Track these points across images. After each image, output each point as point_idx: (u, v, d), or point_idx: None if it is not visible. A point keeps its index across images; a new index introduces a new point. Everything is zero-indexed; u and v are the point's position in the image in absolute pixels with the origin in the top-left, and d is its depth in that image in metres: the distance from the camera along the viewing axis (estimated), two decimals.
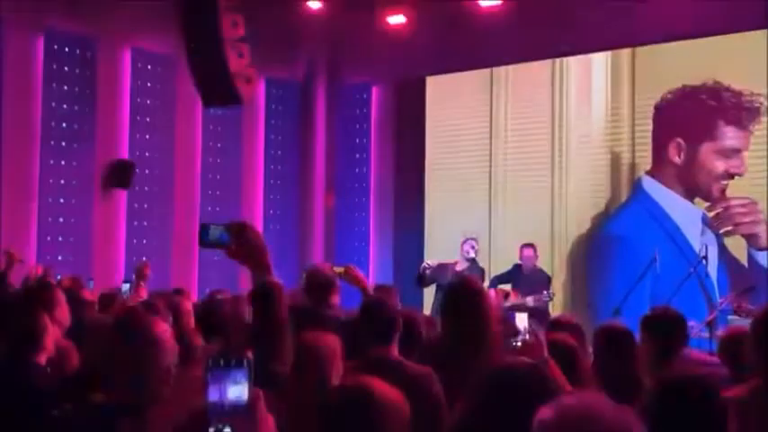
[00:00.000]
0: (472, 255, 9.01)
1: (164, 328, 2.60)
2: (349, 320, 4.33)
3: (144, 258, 9.63)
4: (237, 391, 1.65)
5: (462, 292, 4.04)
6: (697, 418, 2.36)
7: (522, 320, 3.19)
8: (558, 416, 1.72)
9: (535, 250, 9.22)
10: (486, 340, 3.85)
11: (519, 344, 3.14)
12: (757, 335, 3.11)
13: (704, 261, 8.80)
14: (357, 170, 12.81)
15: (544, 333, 3.88)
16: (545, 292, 8.97)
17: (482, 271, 9.02)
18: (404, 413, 2.20)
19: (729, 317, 7.46)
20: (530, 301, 8.55)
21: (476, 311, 3.93)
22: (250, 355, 1.66)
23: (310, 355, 3.17)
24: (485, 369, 2.60)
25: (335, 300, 5.07)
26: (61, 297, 4.20)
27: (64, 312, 4.18)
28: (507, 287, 8.89)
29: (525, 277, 9.05)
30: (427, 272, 9.01)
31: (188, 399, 1.97)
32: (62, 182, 10.43)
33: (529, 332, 3.17)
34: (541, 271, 9.31)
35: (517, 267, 9.24)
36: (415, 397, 2.26)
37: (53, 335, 3.58)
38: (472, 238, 9.21)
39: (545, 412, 1.74)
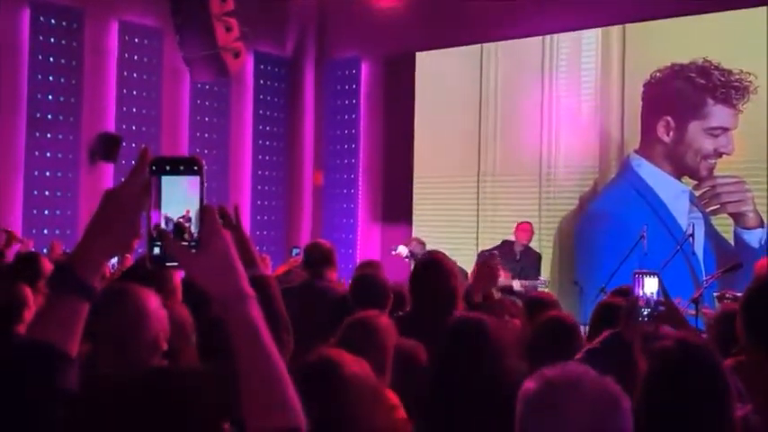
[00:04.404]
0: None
1: (153, 300, 2.56)
2: (342, 295, 4.36)
3: None
4: (184, 204, 1.31)
5: (429, 267, 4.06)
6: (706, 380, 2.36)
7: (652, 287, 3.01)
8: (541, 387, 1.73)
9: (532, 230, 9.25)
10: (452, 313, 3.88)
11: (655, 313, 2.99)
12: (744, 311, 3.11)
13: (691, 239, 8.83)
14: (346, 146, 12.76)
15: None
16: (540, 279, 8.93)
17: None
18: (370, 383, 2.22)
19: (714, 294, 7.50)
20: (517, 284, 8.48)
21: (442, 285, 3.96)
22: (203, 161, 1.34)
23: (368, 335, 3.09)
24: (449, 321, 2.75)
25: (333, 275, 5.13)
26: (48, 267, 4.17)
27: None
28: None
29: (516, 256, 9.01)
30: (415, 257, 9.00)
31: None
32: (48, 155, 10.36)
33: (660, 301, 3.02)
34: (533, 251, 9.31)
35: (507, 244, 9.19)
36: (406, 368, 2.29)
37: (36, 306, 3.56)
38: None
39: (529, 384, 1.76)
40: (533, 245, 9.65)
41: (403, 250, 9.23)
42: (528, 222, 9.38)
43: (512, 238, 9.24)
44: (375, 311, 3.34)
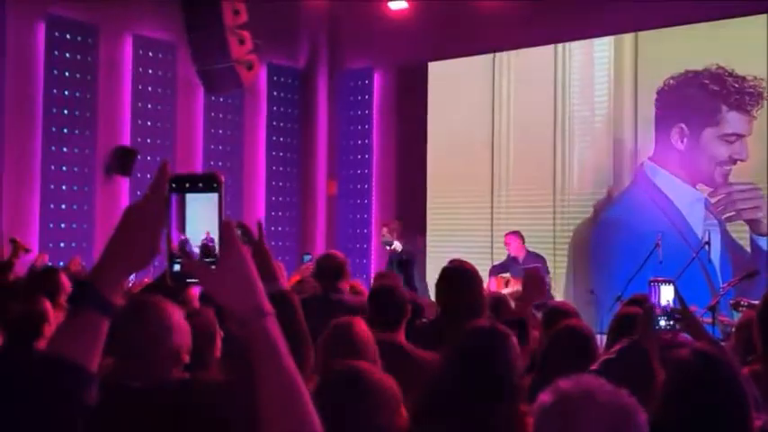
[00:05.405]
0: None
1: (176, 313, 2.57)
2: (357, 306, 4.36)
3: None
4: (204, 221, 1.31)
5: (456, 274, 4.07)
6: (723, 392, 2.35)
7: (668, 295, 2.97)
8: (556, 400, 1.73)
9: (518, 237, 9.29)
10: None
11: (672, 323, 2.94)
12: (761, 320, 3.10)
13: (707, 247, 8.80)
14: (359, 156, 12.79)
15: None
16: (539, 265, 9.00)
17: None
18: (395, 392, 2.24)
19: (729, 301, 7.47)
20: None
21: (470, 292, 3.97)
22: (222, 178, 1.32)
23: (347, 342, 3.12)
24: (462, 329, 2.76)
25: (345, 285, 5.11)
26: (66, 283, 4.19)
27: None
28: (507, 275, 8.91)
29: (520, 264, 9.08)
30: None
31: None
32: (64, 168, 10.42)
33: (676, 309, 2.98)
34: (536, 255, 9.36)
35: (511, 256, 9.32)
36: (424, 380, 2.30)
37: (55, 321, 3.57)
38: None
39: (544, 396, 1.76)
40: (547, 252, 9.65)
41: (398, 246, 9.40)
42: (508, 234, 9.42)
43: None
44: (354, 317, 3.36)
